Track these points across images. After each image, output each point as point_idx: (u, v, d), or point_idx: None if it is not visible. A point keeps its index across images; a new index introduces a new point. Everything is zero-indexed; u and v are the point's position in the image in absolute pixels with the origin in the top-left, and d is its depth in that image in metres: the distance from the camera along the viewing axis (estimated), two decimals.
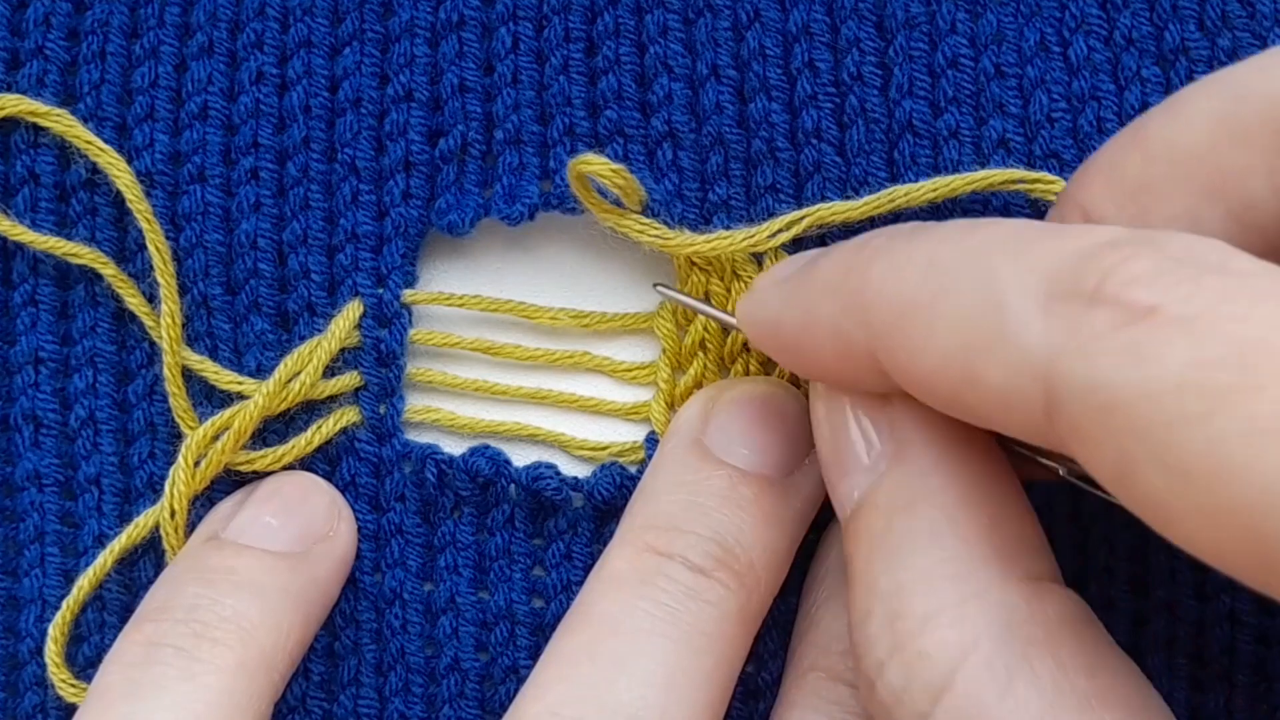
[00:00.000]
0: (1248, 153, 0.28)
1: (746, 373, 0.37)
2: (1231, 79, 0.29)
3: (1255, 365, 0.22)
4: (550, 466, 0.37)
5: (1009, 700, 0.26)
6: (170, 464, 0.37)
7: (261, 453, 0.37)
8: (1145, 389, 0.23)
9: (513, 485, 0.37)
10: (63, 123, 0.37)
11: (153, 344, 0.38)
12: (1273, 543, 0.21)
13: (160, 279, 0.37)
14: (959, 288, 0.27)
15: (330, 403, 0.38)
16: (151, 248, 0.37)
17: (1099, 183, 0.30)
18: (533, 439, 0.38)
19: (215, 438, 0.37)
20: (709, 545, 0.33)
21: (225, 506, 0.37)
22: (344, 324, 0.37)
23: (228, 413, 0.37)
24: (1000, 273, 0.26)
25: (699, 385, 0.38)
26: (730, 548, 0.33)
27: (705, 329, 0.37)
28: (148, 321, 0.38)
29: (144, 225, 0.37)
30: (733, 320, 0.35)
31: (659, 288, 0.37)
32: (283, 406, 0.37)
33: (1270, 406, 0.22)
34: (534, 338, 0.39)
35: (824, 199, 0.37)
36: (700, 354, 0.38)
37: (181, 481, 0.36)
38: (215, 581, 0.35)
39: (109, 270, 0.38)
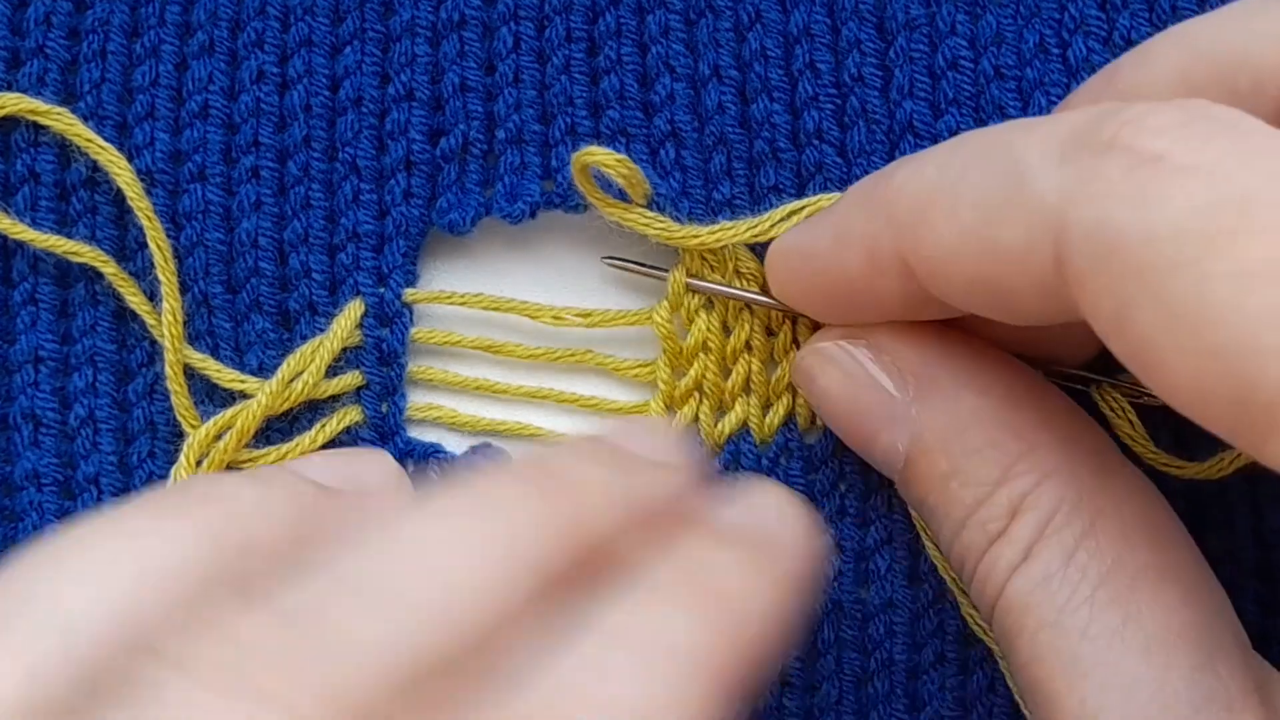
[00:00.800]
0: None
1: (748, 374, 0.37)
2: (1191, 34, 0.30)
3: (1250, 212, 0.22)
4: None
5: (1073, 568, 0.29)
6: (170, 463, 0.37)
7: (264, 450, 0.37)
8: (1146, 232, 0.23)
9: None
10: (63, 121, 0.37)
11: (153, 342, 0.38)
12: (1249, 384, 0.22)
13: (161, 276, 0.37)
14: (979, 166, 0.28)
15: (333, 402, 0.38)
16: (153, 245, 0.37)
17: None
18: (534, 438, 0.38)
19: (218, 436, 0.37)
20: None
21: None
22: (345, 323, 0.37)
23: (230, 412, 0.37)
24: (1020, 143, 0.27)
25: (699, 386, 0.38)
26: None
27: (708, 329, 0.37)
28: (149, 320, 0.38)
29: (145, 223, 0.37)
30: (751, 295, 0.36)
31: (691, 281, 0.37)
32: (285, 406, 0.37)
33: (1261, 250, 0.22)
34: (535, 337, 0.39)
35: None
36: (702, 355, 0.38)
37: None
38: None
39: (109, 269, 0.37)
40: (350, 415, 0.38)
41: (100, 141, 0.37)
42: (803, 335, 0.37)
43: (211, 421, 0.37)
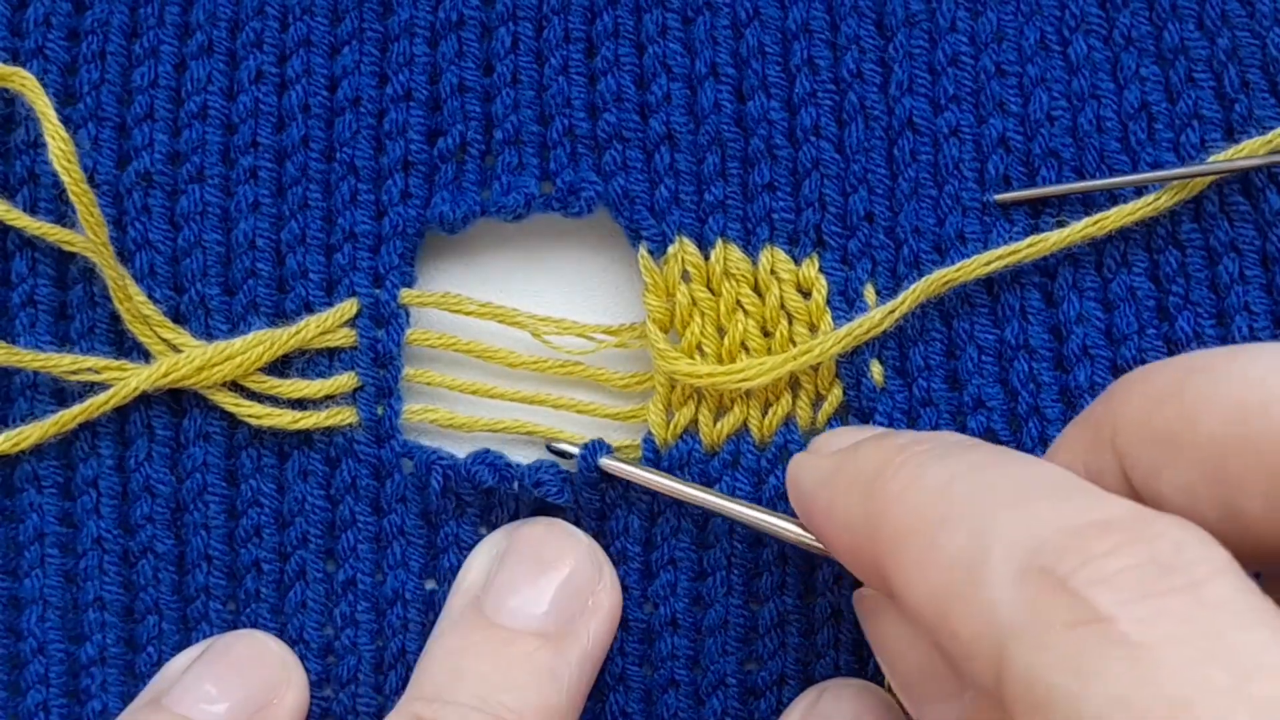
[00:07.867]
0: (1251, 470, 0.27)
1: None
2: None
3: None
4: (552, 467, 0.37)
5: None
6: (166, 468, 0.37)
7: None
8: (1073, 704, 0.23)
9: (516, 483, 0.37)
10: (27, 86, 0.37)
11: None
12: None
13: (95, 245, 0.37)
14: (958, 525, 0.27)
15: (327, 402, 0.38)
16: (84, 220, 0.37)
17: (1131, 419, 0.29)
18: (531, 438, 0.38)
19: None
20: (473, 715, 0.33)
21: (179, 662, 0.37)
22: (330, 319, 0.37)
23: (167, 362, 0.37)
24: (997, 524, 0.26)
25: (697, 387, 0.37)
26: (496, 710, 0.33)
27: (701, 333, 0.37)
28: (144, 310, 0.37)
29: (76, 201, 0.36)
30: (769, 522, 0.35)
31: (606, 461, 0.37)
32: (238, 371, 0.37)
33: None
34: (531, 345, 0.38)
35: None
36: (697, 355, 0.37)
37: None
38: None
39: (107, 263, 0.37)
40: (344, 416, 0.37)
41: (51, 113, 0.37)
42: (798, 334, 0.37)
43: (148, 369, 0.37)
